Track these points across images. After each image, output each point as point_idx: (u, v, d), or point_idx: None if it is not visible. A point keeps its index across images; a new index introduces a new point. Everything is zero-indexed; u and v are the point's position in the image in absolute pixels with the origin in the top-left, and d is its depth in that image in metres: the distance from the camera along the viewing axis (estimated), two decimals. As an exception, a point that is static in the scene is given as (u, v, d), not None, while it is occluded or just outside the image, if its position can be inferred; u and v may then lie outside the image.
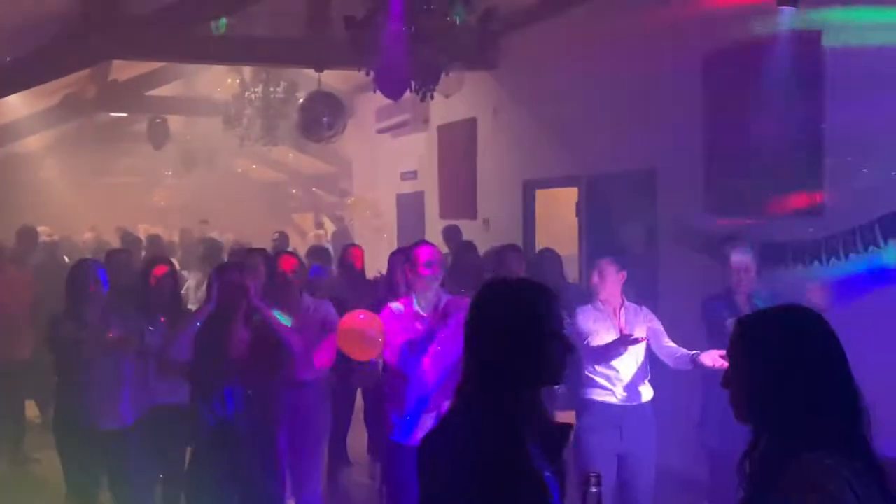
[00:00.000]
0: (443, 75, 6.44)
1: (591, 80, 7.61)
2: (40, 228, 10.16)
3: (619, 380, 4.69)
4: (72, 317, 4.82)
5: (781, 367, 1.89)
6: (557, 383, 2.22)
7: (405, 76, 6.13)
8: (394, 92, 6.27)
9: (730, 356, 2.04)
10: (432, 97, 6.45)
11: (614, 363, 4.67)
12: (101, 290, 4.86)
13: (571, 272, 7.37)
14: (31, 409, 7.88)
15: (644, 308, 4.96)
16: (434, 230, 10.74)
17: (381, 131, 11.97)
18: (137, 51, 8.30)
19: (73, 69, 8.40)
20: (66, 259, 8.82)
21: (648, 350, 4.78)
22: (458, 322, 3.92)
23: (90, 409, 4.80)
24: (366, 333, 4.48)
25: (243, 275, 4.59)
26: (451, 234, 9.05)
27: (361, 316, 4.60)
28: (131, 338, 4.84)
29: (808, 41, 5.39)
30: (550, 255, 6.47)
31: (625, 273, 4.90)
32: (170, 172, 18.27)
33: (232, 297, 4.39)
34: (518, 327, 2.09)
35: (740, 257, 5.09)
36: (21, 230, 8.89)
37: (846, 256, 5.23)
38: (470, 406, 2.08)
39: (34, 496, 6.40)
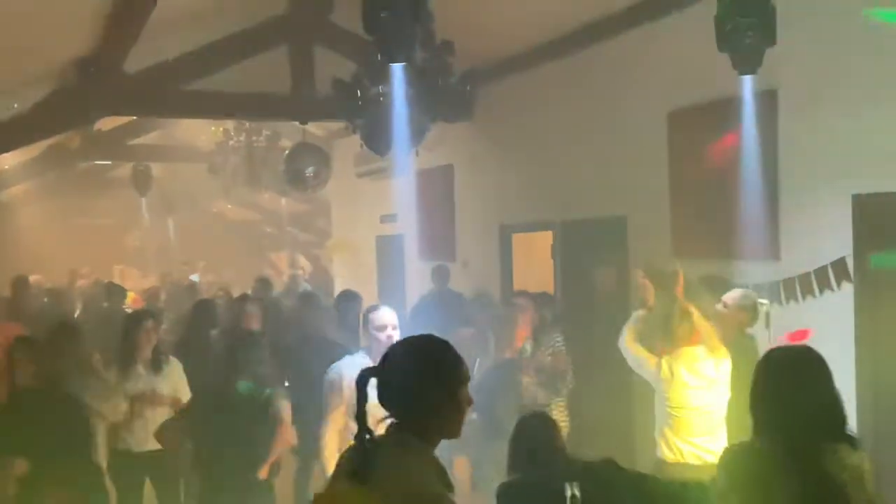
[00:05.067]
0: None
1: (563, 132, 8.08)
2: (32, 278, 10.37)
3: None
4: None
5: None
6: (455, 437, 2.33)
7: (391, 136, 6.52)
8: (382, 149, 6.66)
9: None
10: (417, 154, 6.85)
11: None
12: None
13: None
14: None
15: None
16: (413, 271, 11.14)
17: (360, 175, 12.35)
18: (129, 107, 8.67)
19: (66, 128, 8.71)
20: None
21: None
22: None
23: None
24: None
25: None
26: (439, 272, 9.46)
27: None
28: None
29: (765, 99, 5.87)
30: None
31: None
32: (146, 215, 18.51)
33: None
34: (421, 388, 2.26)
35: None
36: (15, 280, 9.10)
37: (803, 298, 5.69)
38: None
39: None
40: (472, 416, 3.89)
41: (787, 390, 2.89)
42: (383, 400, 2.30)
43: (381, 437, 2.27)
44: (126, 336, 5.71)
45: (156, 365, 5.75)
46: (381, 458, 2.20)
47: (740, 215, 6.16)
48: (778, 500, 2.69)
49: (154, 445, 5.46)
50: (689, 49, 6.31)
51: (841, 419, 2.91)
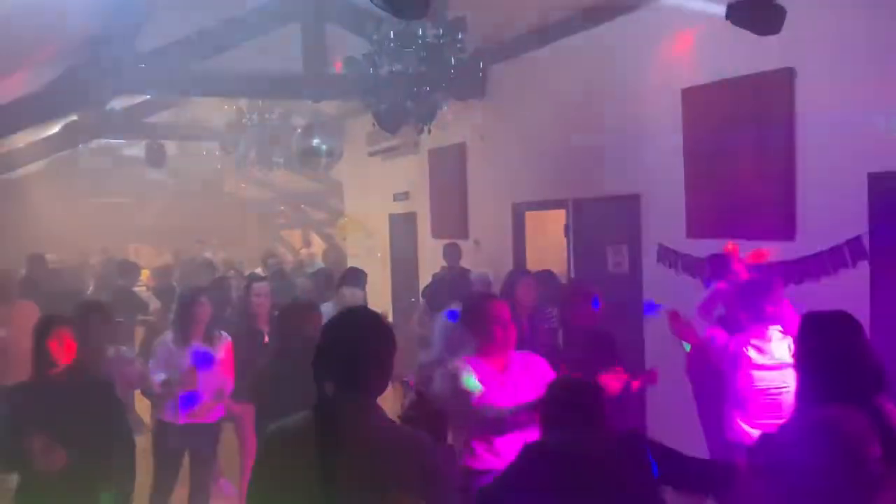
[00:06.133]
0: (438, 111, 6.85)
1: (577, 109, 8.02)
2: (48, 255, 10.42)
3: None
4: None
5: None
6: None
7: (403, 113, 6.52)
8: (393, 128, 6.67)
9: None
10: (429, 131, 6.85)
11: None
12: None
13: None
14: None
15: None
16: (426, 250, 11.14)
17: (372, 154, 12.34)
18: (142, 86, 8.69)
19: (79, 107, 8.73)
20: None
21: None
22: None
23: None
24: None
25: None
26: (450, 251, 9.47)
27: None
28: None
29: (782, 76, 5.81)
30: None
31: None
32: (161, 193, 18.56)
33: None
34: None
35: None
36: (31, 258, 9.13)
37: (818, 277, 5.65)
38: None
39: None
40: None
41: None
42: None
43: None
44: (182, 312, 5.92)
45: (208, 340, 5.95)
46: None
47: (755, 194, 6.13)
48: None
49: (199, 419, 5.77)
50: (706, 24, 6.25)
51: None
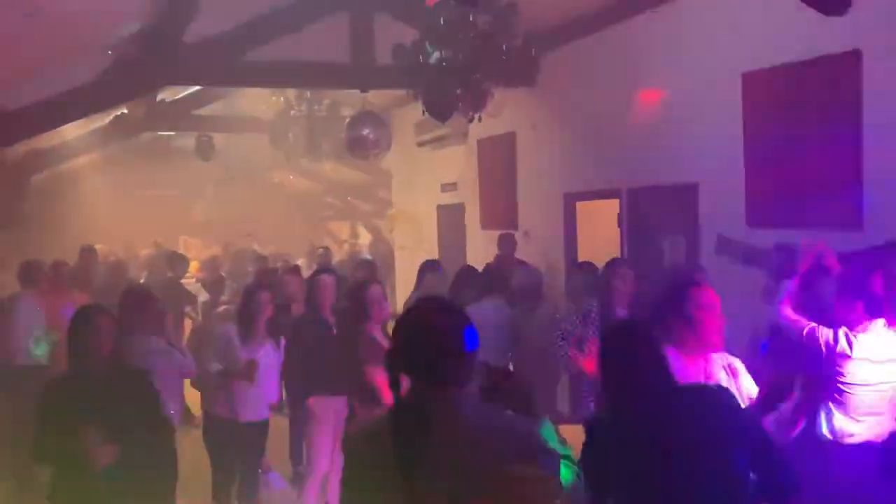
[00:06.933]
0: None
1: (630, 95, 7.81)
2: (98, 247, 10.49)
3: None
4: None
5: None
6: None
7: (453, 101, 6.38)
8: (443, 116, 6.53)
9: None
10: (480, 119, 6.70)
11: None
12: None
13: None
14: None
15: None
16: (475, 241, 11.01)
17: (420, 144, 12.22)
18: (190, 77, 8.66)
19: (129, 98, 8.75)
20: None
21: None
22: None
23: None
24: None
25: None
26: (504, 241, 9.36)
27: None
28: None
29: (849, 60, 5.57)
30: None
31: None
32: (210, 185, 18.68)
33: None
34: None
35: None
36: (83, 250, 9.18)
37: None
38: None
39: None
40: None
41: None
42: None
43: None
44: (246, 304, 5.89)
45: (273, 336, 6.00)
46: None
47: (820, 182, 5.89)
48: None
49: (256, 416, 5.78)
50: (768, 5, 6.01)
51: None
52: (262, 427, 5.98)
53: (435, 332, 2.38)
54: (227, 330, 5.92)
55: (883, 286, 4.68)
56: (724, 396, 2.93)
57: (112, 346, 4.05)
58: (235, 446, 5.89)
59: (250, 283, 7.09)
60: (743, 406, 2.92)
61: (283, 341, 6.16)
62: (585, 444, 2.89)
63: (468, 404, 2.40)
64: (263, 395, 5.87)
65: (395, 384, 2.38)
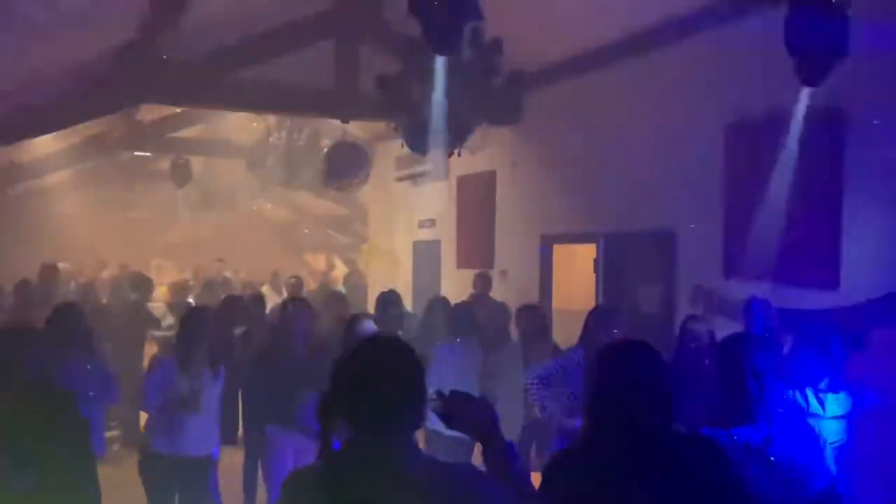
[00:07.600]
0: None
1: (612, 140, 7.77)
2: (61, 265, 10.25)
3: None
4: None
5: None
6: None
7: (434, 135, 6.29)
8: (423, 149, 6.44)
9: None
10: (460, 154, 6.61)
11: None
12: None
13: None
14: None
15: None
16: (450, 279, 10.87)
17: (400, 179, 12.12)
18: (168, 96, 8.53)
19: (104, 112, 8.60)
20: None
21: None
22: None
23: None
24: None
25: None
26: (480, 280, 9.14)
27: None
28: None
29: (832, 117, 5.53)
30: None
31: None
32: (184, 209, 18.46)
33: None
34: None
35: None
36: (43, 268, 8.94)
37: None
38: None
39: None
40: None
41: None
42: None
43: None
44: (184, 330, 5.31)
45: (213, 363, 5.36)
46: None
47: (798, 238, 5.83)
48: None
49: (195, 452, 5.17)
50: (756, 58, 5.98)
51: None
52: (203, 463, 5.36)
53: (384, 377, 2.20)
54: (166, 357, 5.38)
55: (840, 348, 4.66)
56: (714, 454, 2.71)
57: (34, 367, 3.72)
58: (174, 485, 5.28)
59: (192, 307, 6.67)
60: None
61: (222, 370, 5.48)
62: (545, 475, 2.69)
63: (411, 452, 2.21)
64: (208, 427, 5.35)
65: (328, 430, 2.19)
